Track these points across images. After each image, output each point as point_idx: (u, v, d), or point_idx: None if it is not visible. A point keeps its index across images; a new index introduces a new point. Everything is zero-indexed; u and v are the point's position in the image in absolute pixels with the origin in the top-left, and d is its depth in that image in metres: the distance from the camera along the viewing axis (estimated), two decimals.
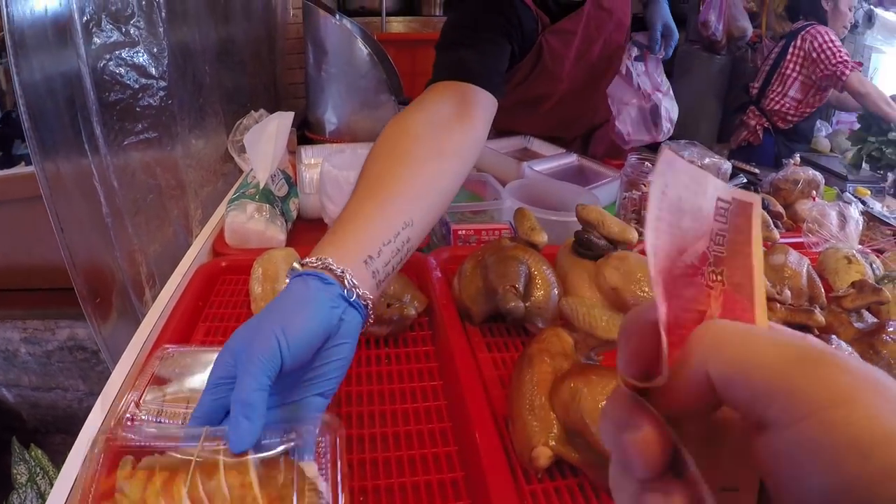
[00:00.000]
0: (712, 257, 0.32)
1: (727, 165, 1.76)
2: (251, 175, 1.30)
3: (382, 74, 2.21)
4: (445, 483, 0.69)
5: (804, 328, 0.81)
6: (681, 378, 0.28)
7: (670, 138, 1.84)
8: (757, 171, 1.87)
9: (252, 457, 0.54)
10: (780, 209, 1.57)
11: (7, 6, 0.86)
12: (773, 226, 1.20)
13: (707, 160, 1.76)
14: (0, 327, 1.85)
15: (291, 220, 1.34)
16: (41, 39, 0.95)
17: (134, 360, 0.86)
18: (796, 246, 1.28)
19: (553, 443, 0.66)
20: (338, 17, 2.59)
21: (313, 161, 1.58)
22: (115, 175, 1.12)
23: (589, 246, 0.98)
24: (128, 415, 0.69)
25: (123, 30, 1.16)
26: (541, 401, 0.69)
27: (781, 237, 1.27)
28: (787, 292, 0.94)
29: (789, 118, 3.19)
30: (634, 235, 1.01)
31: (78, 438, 0.73)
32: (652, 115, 1.70)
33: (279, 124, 1.26)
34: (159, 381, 0.74)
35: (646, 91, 1.69)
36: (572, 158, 1.74)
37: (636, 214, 1.38)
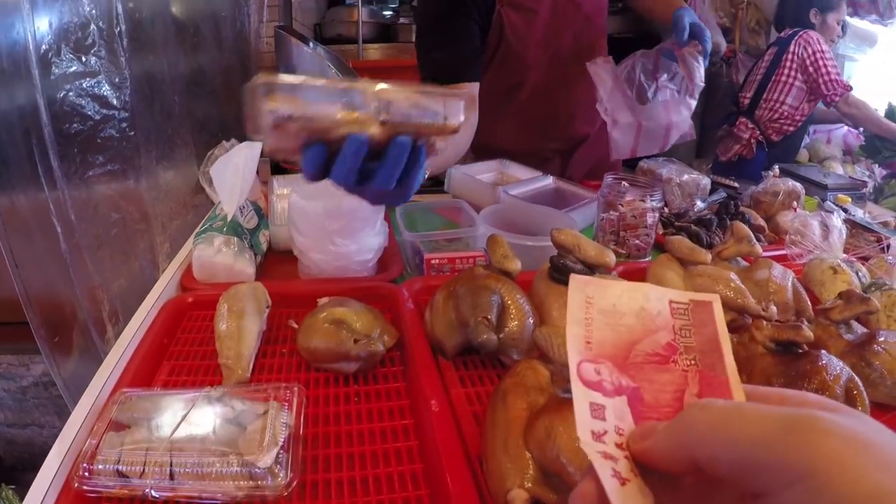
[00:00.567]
0: (681, 347, 0.38)
1: (706, 181, 1.74)
2: (220, 207, 1.26)
3: None
4: None
5: (792, 344, 0.79)
6: (669, 456, 0.30)
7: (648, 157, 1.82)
8: (736, 185, 1.85)
9: None
10: (762, 222, 1.56)
11: None
12: (755, 240, 1.17)
13: (685, 176, 1.74)
14: None
15: (261, 252, 1.31)
16: None
17: (93, 402, 0.82)
18: (780, 259, 1.26)
19: (529, 484, 0.62)
20: (311, 45, 2.58)
21: (285, 191, 1.54)
22: (74, 209, 1.08)
23: (564, 271, 0.95)
24: (84, 464, 0.66)
25: (84, 59, 1.13)
26: (515, 439, 0.65)
27: (764, 250, 1.25)
28: (773, 308, 0.91)
29: (785, 127, 3.18)
30: (612, 258, 0.98)
31: (34, 484, 0.69)
32: (666, 129, 1.68)
33: (247, 155, 1.22)
34: (118, 427, 0.71)
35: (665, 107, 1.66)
36: (548, 181, 1.71)
37: (614, 236, 1.35)
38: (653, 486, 0.31)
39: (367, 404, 0.84)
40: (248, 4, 2.44)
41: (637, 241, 1.35)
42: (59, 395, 1.85)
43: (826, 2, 3.09)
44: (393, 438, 0.77)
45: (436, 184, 1.71)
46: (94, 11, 1.15)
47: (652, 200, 1.32)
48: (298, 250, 1.18)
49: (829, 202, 1.70)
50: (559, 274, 0.95)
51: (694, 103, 1.64)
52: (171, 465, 0.65)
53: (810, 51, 3.00)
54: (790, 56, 3.08)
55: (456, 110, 0.67)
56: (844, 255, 1.25)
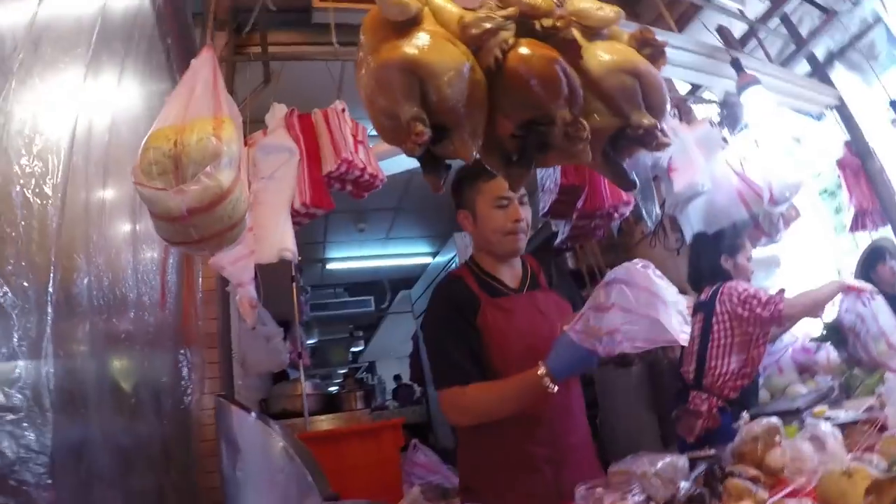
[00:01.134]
0: None
1: (682, 460, 1.65)
2: None
3: (303, 470, 2.08)
4: None
5: None
6: None
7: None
8: (712, 451, 1.78)
9: None
10: (755, 472, 1.44)
11: None
12: (756, 489, 1.08)
13: (660, 464, 1.65)
14: None
15: None
16: None
17: None
18: (790, 495, 1.15)
19: None
20: (254, 414, 2.53)
21: None
22: None
23: None
24: None
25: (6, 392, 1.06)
26: None
27: (770, 496, 1.15)
28: None
29: (739, 382, 3.07)
30: None
31: None
32: None
33: None
34: None
35: None
36: None
37: None
38: None
39: None
40: (191, 375, 2.45)
41: None
42: None
43: (731, 246, 3.27)
44: None
45: None
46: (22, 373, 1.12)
47: (633, 496, 1.25)
48: None
49: (808, 421, 1.64)
50: None
51: None
52: None
53: (738, 299, 3.05)
54: (719, 316, 3.12)
55: None
56: (850, 455, 1.15)
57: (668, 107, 1.49)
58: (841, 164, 4.12)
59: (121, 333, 1.86)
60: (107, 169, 1.84)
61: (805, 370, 3.45)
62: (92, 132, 1.73)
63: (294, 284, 4.13)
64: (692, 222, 3.43)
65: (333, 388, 4.55)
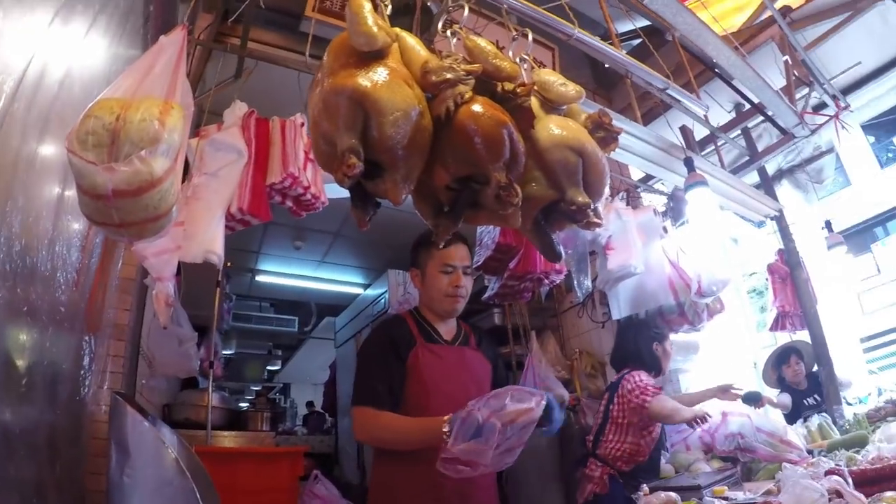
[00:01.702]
0: None
1: None
2: None
3: (192, 486, 2.00)
4: None
5: None
6: None
7: None
8: None
9: None
10: None
11: None
12: None
13: None
14: None
15: None
16: None
17: None
18: None
19: None
20: (150, 418, 2.42)
21: None
22: None
23: None
24: None
25: None
26: None
27: None
28: None
29: (634, 458, 3.20)
30: None
31: None
32: None
33: None
34: None
35: None
36: None
37: None
38: None
39: None
40: (91, 365, 2.33)
41: None
42: None
43: (659, 334, 3.47)
44: None
45: None
46: None
47: None
48: None
49: (706, 499, 1.68)
50: None
51: None
52: None
53: (630, 386, 3.20)
54: (618, 398, 3.27)
55: None
56: None
57: (607, 189, 1.52)
58: (771, 269, 4.37)
59: (23, 306, 1.75)
60: (47, 123, 1.70)
61: (711, 450, 3.58)
62: (43, 80, 1.63)
63: (218, 290, 4.04)
64: (620, 300, 3.54)
65: (244, 404, 4.43)
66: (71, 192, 1.99)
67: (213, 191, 2.39)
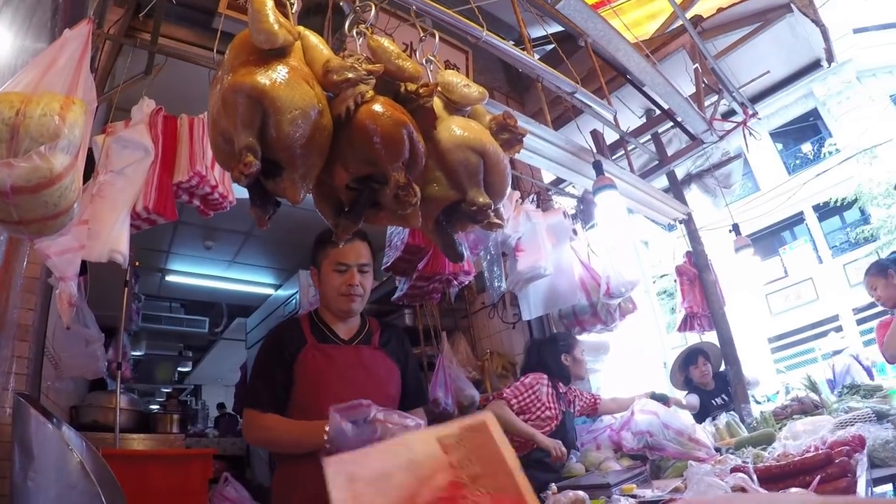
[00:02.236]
0: (466, 479, 0.39)
1: None
2: None
3: (97, 489, 1.94)
4: None
5: None
6: None
7: None
8: None
9: None
10: None
11: None
12: None
13: None
14: None
15: None
16: None
17: None
18: None
19: None
20: (54, 420, 2.34)
21: None
22: None
23: None
24: None
25: None
26: None
27: None
28: None
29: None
30: None
31: None
32: None
33: None
34: None
35: None
36: None
37: None
38: None
39: None
40: None
41: None
42: None
43: (567, 344, 3.49)
44: None
45: None
46: None
47: None
48: None
49: (615, 496, 1.74)
50: None
51: None
52: None
53: (518, 386, 3.32)
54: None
55: None
56: None
57: (508, 190, 1.55)
58: (679, 270, 4.55)
59: None
60: None
61: (621, 448, 3.67)
62: None
63: (126, 290, 3.92)
64: (531, 301, 3.62)
65: (155, 406, 4.32)
66: None
67: (119, 189, 2.34)
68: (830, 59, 5.13)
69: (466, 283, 3.46)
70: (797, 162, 16.27)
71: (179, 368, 10.67)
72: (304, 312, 2.51)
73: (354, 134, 1.28)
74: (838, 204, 14.59)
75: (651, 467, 2.94)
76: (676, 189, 4.82)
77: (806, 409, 3.39)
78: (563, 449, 3.04)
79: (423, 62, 1.67)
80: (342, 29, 1.67)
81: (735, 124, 4.53)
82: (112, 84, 3.00)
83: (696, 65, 4.16)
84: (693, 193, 5.16)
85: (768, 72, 5.06)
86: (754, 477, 2.00)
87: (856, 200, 14.23)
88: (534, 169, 4.18)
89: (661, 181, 4.82)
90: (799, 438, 2.56)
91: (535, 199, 3.85)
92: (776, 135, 16.35)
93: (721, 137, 4.30)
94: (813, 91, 15.24)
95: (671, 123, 4.40)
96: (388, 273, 3.58)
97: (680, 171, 5.03)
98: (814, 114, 16.20)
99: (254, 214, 1.31)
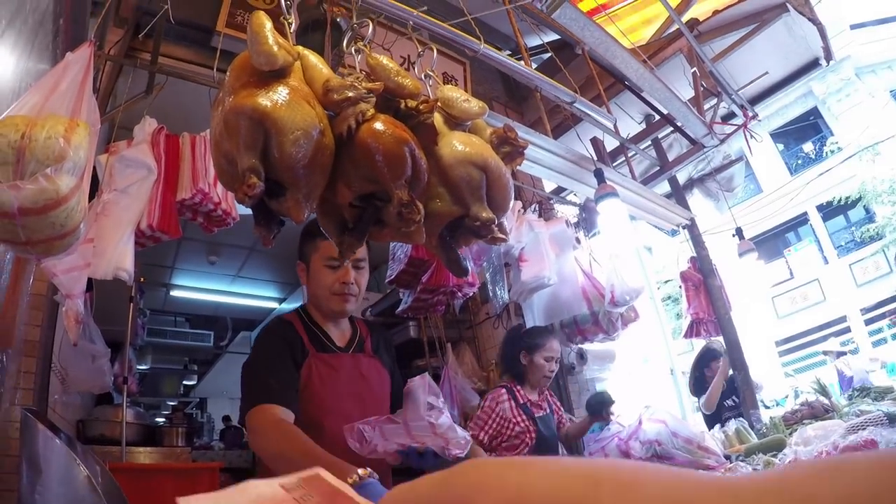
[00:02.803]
0: None
1: None
2: None
3: (103, 502, 1.95)
4: None
5: None
6: None
7: None
8: None
9: None
10: None
11: None
12: None
13: None
14: None
15: None
16: None
17: None
18: None
19: None
20: (62, 435, 2.35)
21: None
22: None
23: None
24: None
25: None
26: None
27: None
28: None
29: None
30: None
31: None
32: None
33: None
34: None
35: None
36: None
37: None
38: None
39: None
40: (3, 382, 2.25)
41: None
42: None
43: (532, 344, 3.27)
44: None
45: None
46: None
47: None
48: None
49: None
50: None
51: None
52: None
53: (488, 399, 3.21)
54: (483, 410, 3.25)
55: None
56: None
57: (511, 203, 1.56)
58: (684, 276, 4.51)
59: None
60: None
61: (629, 458, 3.62)
62: None
63: (132, 305, 3.94)
64: (535, 311, 3.60)
65: (161, 420, 4.32)
66: None
67: (123, 207, 2.36)
68: (828, 57, 5.13)
69: (471, 294, 3.44)
70: (799, 162, 16.24)
71: (185, 382, 10.71)
72: (289, 314, 2.21)
73: (356, 152, 1.28)
74: (842, 203, 14.55)
75: None
76: (678, 194, 4.82)
77: (816, 413, 3.34)
78: None
79: (422, 77, 1.68)
80: (341, 45, 1.68)
81: (735, 127, 4.53)
82: (114, 104, 3.03)
83: (694, 68, 4.17)
84: (695, 198, 5.16)
85: (766, 73, 5.07)
86: None
87: (860, 199, 14.18)
88: (535, 178, 4.19)
89: (663, 187, 4.82)
90: (810, 444, 2.53)
91: (537, 208, 3.85)
92: (777, 135, 16.33)
93: (722, 141, 4.30)
94: (812, 90, 15.22)
95: (671, 128, 4.41)
96: (393, 286, 3.57)
97: (681, 176, 5.03)
98: (814, 113, 16.17)
99: (258, 234, 1.31)
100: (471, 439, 1.87)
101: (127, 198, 2.37)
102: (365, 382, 2.10)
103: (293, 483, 0.41)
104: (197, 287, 7.94)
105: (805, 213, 15.96)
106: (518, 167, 1.70)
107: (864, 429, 2.56)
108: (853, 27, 14.56)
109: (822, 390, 3.64)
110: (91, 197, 2.16)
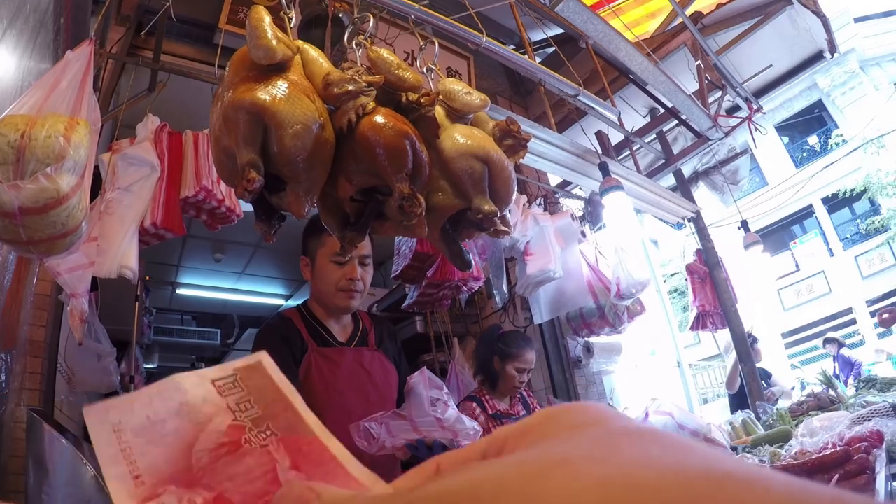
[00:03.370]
0: (247, 422, 0.35)
1: None
2: None
3: (110, 503, 1.95)
4: None
5: None
6: None
7: None
8: None
9: None
10: None
11: None
12: None
13: None
14: None
15: None
16: None
17: None
18: None
19: None
20: (68, 435, 2.36)
21: None
22: None
23: None
24: None
25: None
26: None
27: None
28: None
29: None
30: None
31: None
32: None
33: None
34: None
35: None
36: None
37: None
38: None
39: None
40: (9, 382, 2.26)
41: None
42: None
43: (506, 352, 3.11)
44: None
45: None
46: None
47: None
48: None
49: None
50: None
51: None
52: None
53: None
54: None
55: None
56: None
57: (514, 197, 1.54)
58: (690, 269, 4.49)
59: None
60: None
61: None
62: None
63: (137, 304, 3.94)
64: (541, 305, 3.59)
65: None
66: None
67: (127, 205, 2.35)
68: (833, 49, 5.09)
69: (476, 288, 3.43)
70: (804, 155, 16.21)
71: None
72: (289, 310, 2.22)
73: (357, 146, 1.27)
74: (847, 195, 14.54)
75: None
76: (684, 187, 4.81)
77: (822, 404, 3.34)
78: None
79: (424, 71, 1.67)
80: (342, 41, 1.67)
81: (740, 120, 4.51)
82: (116, 102, 3.03)
83: (699, 61, 4.14)
84: (701, 191, 5.14)
85: (771, 65, 5.02)
86: None
87: (865, 191, 14.16)
88: (540, 172, 4.18)
89: (668, 180, 4.81)
90: (816, 435, 2.50)
91: (542, 202, 3.85)
92: (782, 128, 16.30)
93: (726, 133, 4.28)
94: (817, 83, 15.19)
95: (676, 122, 4.39)
96: (398, 281, 3.57)
97: (687, 169, 5.01)
98: (818, 105, 16.14)
99: (259, 229, 1.31)
100: (480, 429, 1.87)
101: (130, 196, 2.36)
102: (368, 376, 2.09)
103: (227, 379, 0.35)
104: (203, 285, 7.94)
105: (810, 206, 15.95)
106: (523, 161, 1.69)
107: (869, 420, 2.55)
108: (857, 20, 14.53)
109: (828, 381, 3.63)
110: (94, 195, 2.16)
